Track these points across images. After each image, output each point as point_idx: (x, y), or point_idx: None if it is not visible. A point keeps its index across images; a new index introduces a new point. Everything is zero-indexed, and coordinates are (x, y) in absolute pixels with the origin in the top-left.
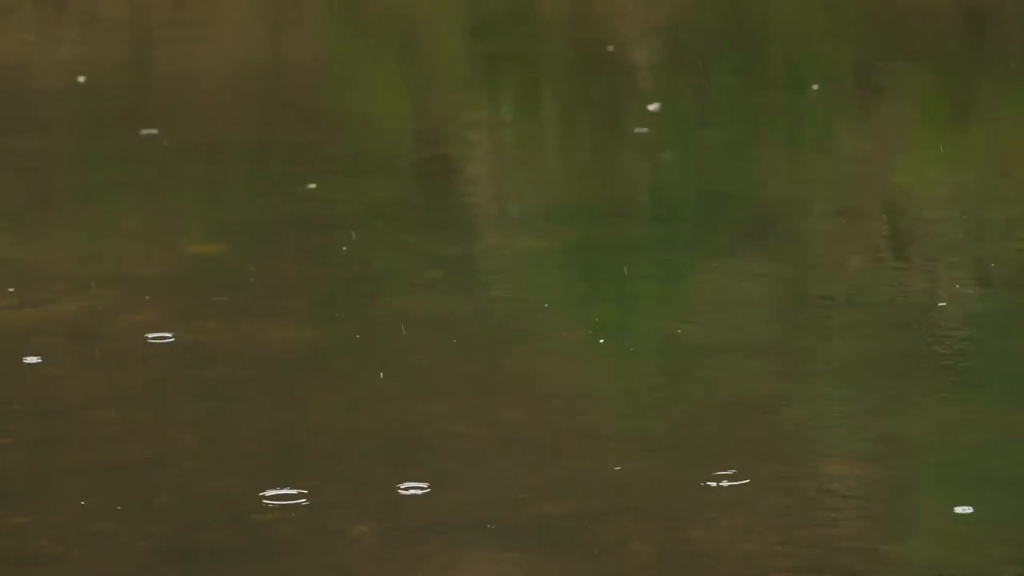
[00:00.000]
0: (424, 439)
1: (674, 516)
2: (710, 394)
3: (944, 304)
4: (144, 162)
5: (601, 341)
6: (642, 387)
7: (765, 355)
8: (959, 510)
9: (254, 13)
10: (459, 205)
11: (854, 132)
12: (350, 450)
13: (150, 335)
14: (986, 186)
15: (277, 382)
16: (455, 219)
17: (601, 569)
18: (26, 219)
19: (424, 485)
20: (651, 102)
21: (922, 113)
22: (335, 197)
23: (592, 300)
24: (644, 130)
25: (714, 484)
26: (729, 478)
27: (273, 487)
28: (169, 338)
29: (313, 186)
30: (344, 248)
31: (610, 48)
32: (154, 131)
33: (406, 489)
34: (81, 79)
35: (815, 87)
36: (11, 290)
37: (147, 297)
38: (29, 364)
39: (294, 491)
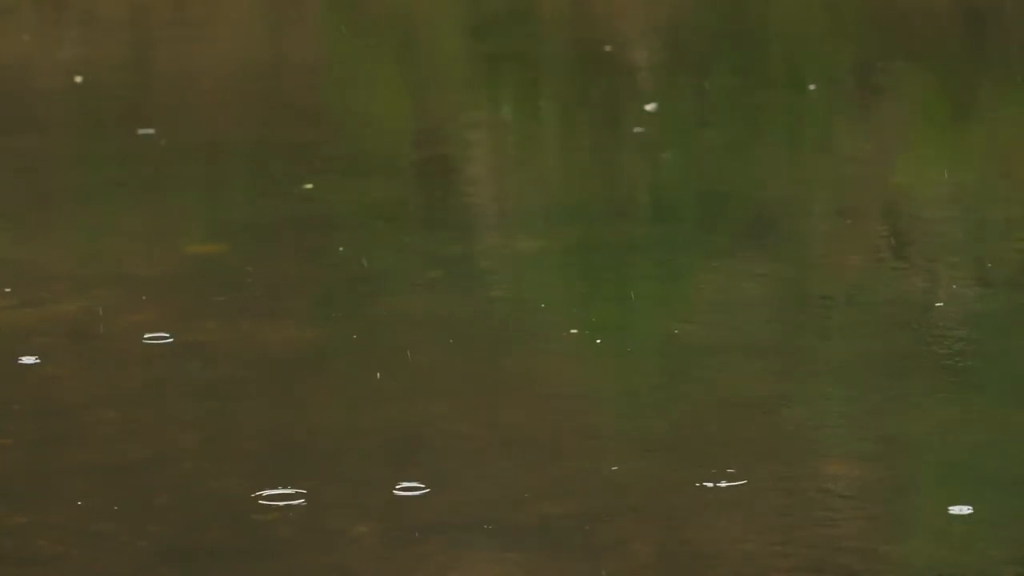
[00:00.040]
0: (424, 439)
1: (674, 516)
2: (710, 394)
3: (944, 304)
4: (143, 162)
5: (601, 341)
6: (642, 387)
7: (765, 355)
8: (959, 510)
9: (254, 13)
10: (459, 205)
11: (854, 132)
12: (350, 450)
13: (150, 335)
14: (986, 186)
15: (277, 382)
16: (455, 219)
17: (601, 569)
18: (26, 219)
19: (424, 485)
20: (649, 102)
21: (922, 113)
22: (335, 197)
23: (592, 300)
24: (641, 130)
25: (714, 484)
26: (729, 478)
27: (273, 487)
28: (169, 338)
29: (310, 186)
30: (341, 248)
31: (608, 48)
32: (151, 131)
33: (406, 489)
34: (78, 79)
35: (812, 87)
36: (7, 290)
37: (147, 297)
38: (29, 364)
39: (294, 491)
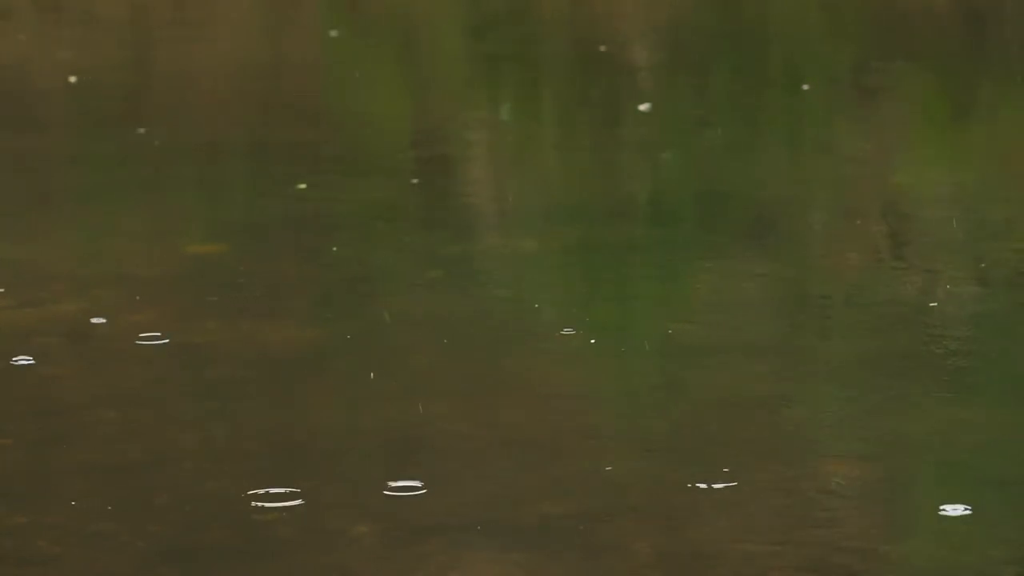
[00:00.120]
0: (424, 439)
1: (674, 516)
2: (710, 394)
3: (943, 304)
4: (143, 162)
5: (601, 341)
6: (642, 387)
7: (765, 355)
8: (959, 510)
9: (253, 13)
10: (459, 205)
11: (854, 132)
12: (350, 450)
13: (149, 335)
14: (986, 186)
15: (277, 382)
16: (455, 219)
17: (601, 569)
18: (25, 219)
19: (424, 485)
20: (644, 102)
21: (922, 113)
22: (335, 197)
23: (591, 300)
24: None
25: (714, 484)
26: (729, 478)
27: (273, 487)
28: (168, 338)
29: (303, 186)
30: (335, 248)
31: (602, 48)
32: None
33: (406, 489)
34: (72, 79)
35: (806, 87)
36: (2, 290)
37: (147, 297)
38: (28, 364)
39: (294, 491)
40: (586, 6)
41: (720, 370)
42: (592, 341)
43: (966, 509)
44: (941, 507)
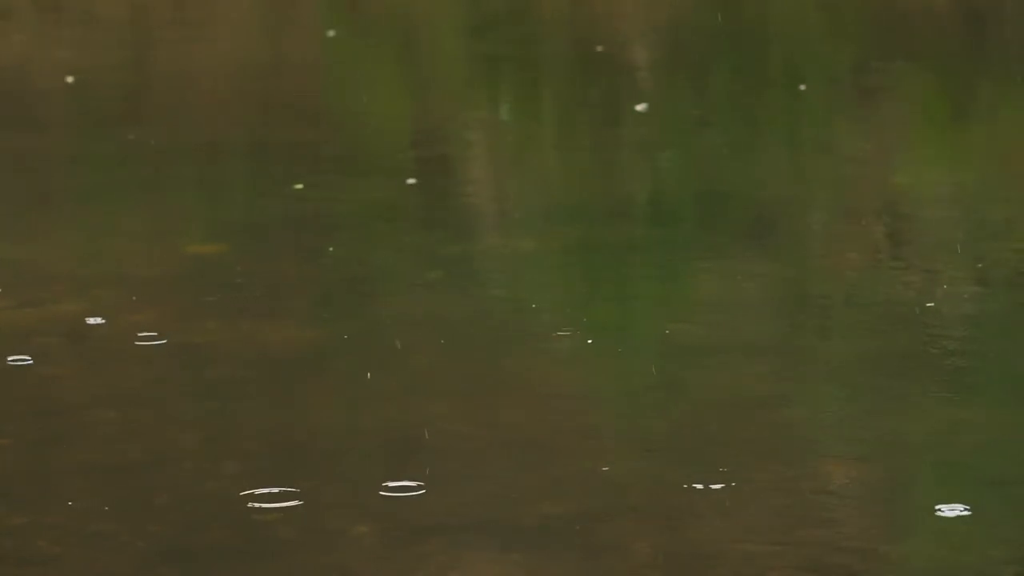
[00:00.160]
0: (424, 439)
1: (674, 516)
2: (709, 394)
3: (943, 304)
4: (142, 162)
5: (600, 341)
6: (641, 387)
7: (765, 355)
8: (958, 510)
9: (253, 13)
10: (459, 205)
11: (854, 132)
12: (349, 450)
13: (149, 335)
14: (986, 186)
15: (277, 382)
16: (455, 219)
17: (601, 569)
18: (25, 219)
19: (424, 485)
20: (643, 102)
21: (922, 113)
22: (335, 197)
23: (591, 300)
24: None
25: (714, 484)
26: (728, 478)
27: (273, 487)
28: (168, 338)
29: (300, 186)
30: (331, 248)
31: (599, 48)
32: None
33: (406, 489)
34: (70, 79)
35: (802, 87)
36: (1, 290)
37: (146, 297)
38: (28, 364)
39: (294, 491)
40: (586, 6)
41: (720, 370)
42: (590, 341)
43: (965, 509)
44: (941, 507)
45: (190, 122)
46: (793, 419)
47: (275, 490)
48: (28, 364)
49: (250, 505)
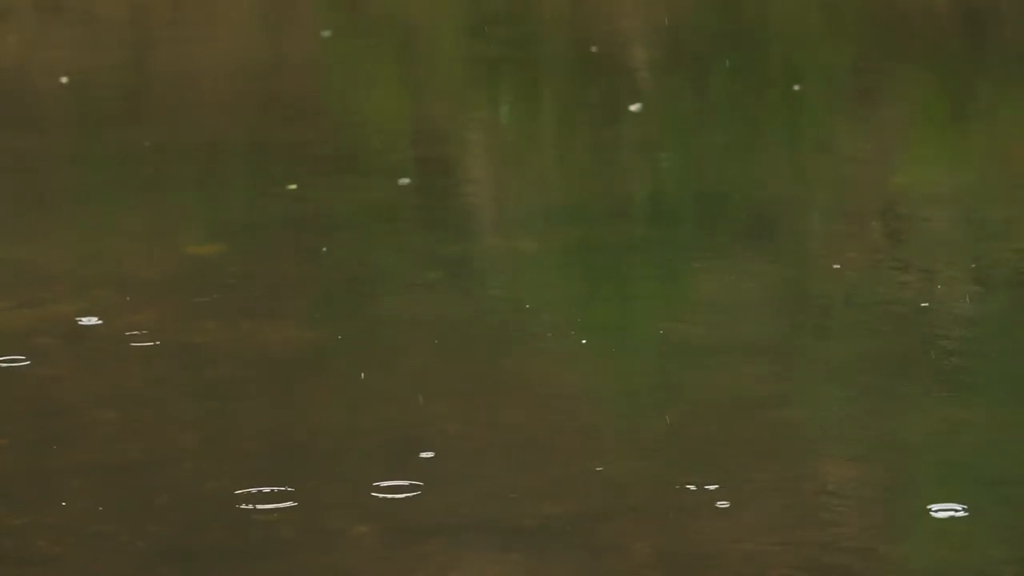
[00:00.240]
0: (424, 439)
1: (674, 516)
2: (709, 394)
3: (943, 304)
4: (142, 162)
5: (600, 341)
6: (641, 387)
7: (765, 355)
8: (958, 510)
9: (253, 13)
10: (459, 205)
11: (854, 132)
12: (350, 450)
13: (149, 335)
14: (986, 186)
15: (277, 382)
16: (455, 219)
17: (601, 569)
18: (25, 219)
19: (424, 485)
20: (641, 102)
21: (922, 113)
22: (335, 197)
23: (591, 300)
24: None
25: (714, 484)
26: (728, 478)
27: (273, 487)
28: (168, 338)
29: (294, 186)
30: (324, 249)
31: (594, 49)
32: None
33: (406, 489)
34: (64, 79)
35: (796, 87)
36: (1, 291)
37: (146, 297)
38: (27, 364)
39: (294, 491)
40: (586, 6)
41: (720, 370)
42: (590, 341)
43: (965, 509)
44: (940, 507)
45: (189, 122)
46: (793, 419)
47: (275, 490)
48: (27, 364)
49: (250, 505)
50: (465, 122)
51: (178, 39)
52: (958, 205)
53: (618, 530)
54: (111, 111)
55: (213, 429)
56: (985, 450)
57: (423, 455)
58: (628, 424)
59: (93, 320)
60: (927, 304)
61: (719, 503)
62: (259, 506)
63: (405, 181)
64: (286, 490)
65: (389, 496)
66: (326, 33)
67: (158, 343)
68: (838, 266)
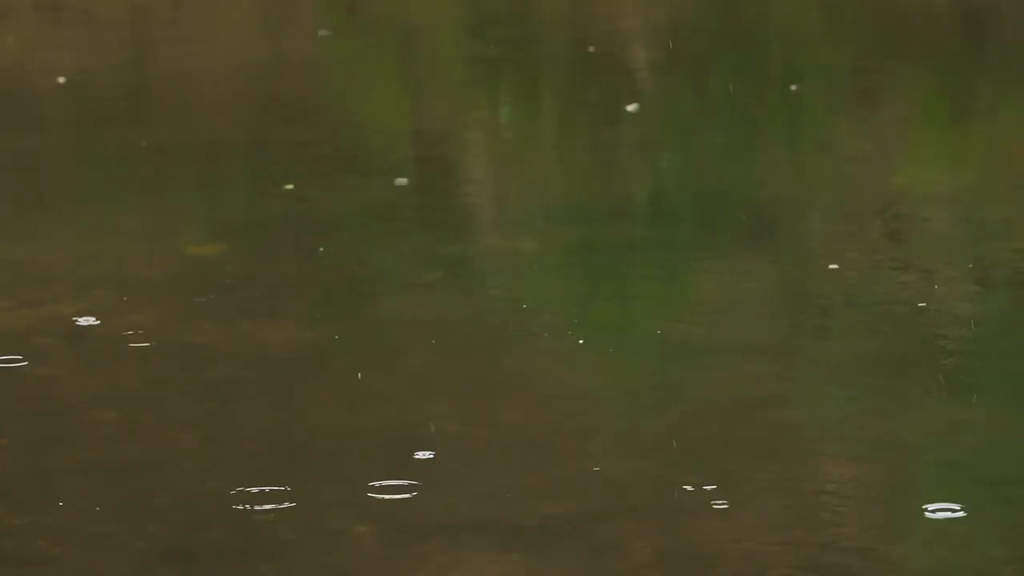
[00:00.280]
0: (424, 439)
1: (674, 516)
2: (709, 394)
3: (943, 304)
4: (142, 162)
5: (600, 341)
6: (641, 387)
7: (765, 355)
8: (958, 510)
9: (252, 13)
10: (459, 205)
11: (854, 132)
12: (350, 450)
13: (149, 335)
14: (986, 186)
15: (277, 382)
16: (455, 219)
17: (601, 569)
18: (25, 219)
19: (424, 485)
20: (641, 102)
21: (922, 113)
22: (334, 197)
23: (591, 300)
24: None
25: (714, 484)
26: (729, 478)
27: (273, 487)
28: (168, 339)
29: (290, 187)
30: (321, 249)
31: (591, 49)
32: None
33: (406, 489)
34: (61, 80)
35: (793, 87)
36: (1, 291)
37: (146, 298)
38: (27, 365)
39: (294, 491)
40: (586, 6)
41: (720, 370)
42: (589, 341)
43: (965, 509)
44: (940, 507)
45: (189, 122)
46: (793, 419)
47: (275, 490)
48: (27, 364)
49: (250, 505)
50: (465, 122)
51: (178, 39)
52: (958, 205)
53: (618, 530)
54: (111, 111)
55: (213, 429)
56: (985, 450)
57: (423, 455)
58: (628, 424)
59: (93, 320)
60: (927, 304)
61: (719, 503)
62: (259, 506)
63: (402, 181)
64: (286, 490)
65: (389, 496)
66: (323, 32)
67: (158, 343)
68: (838, 266)
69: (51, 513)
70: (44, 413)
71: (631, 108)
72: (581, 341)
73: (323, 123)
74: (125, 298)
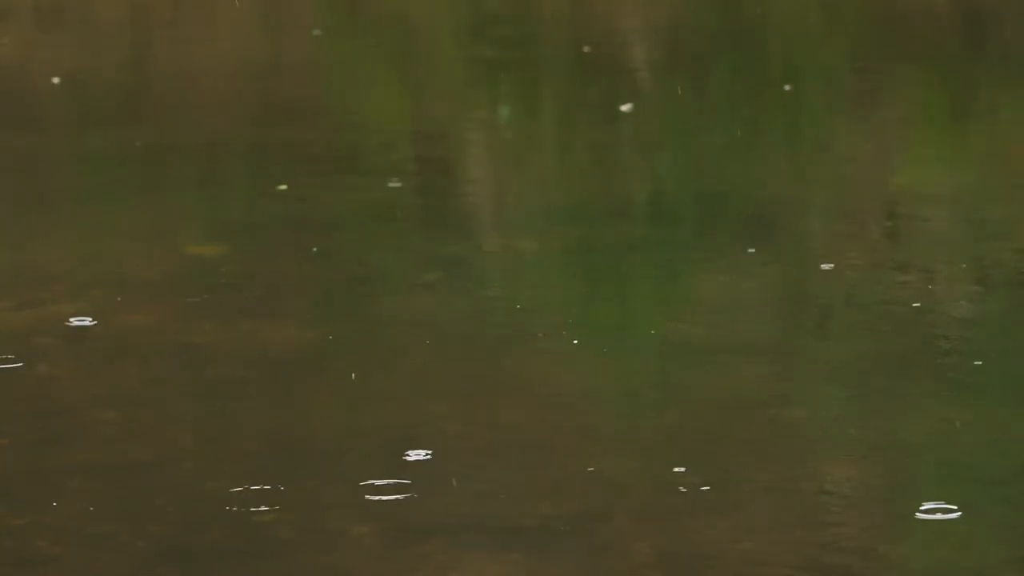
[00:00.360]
0: (423, 439)
1: (674, 516)
2: (709, 394)
3: (943, 304)
4: (142, 162)
5: (600, 341)
6: (641, 387)
7: (764, 355)
8: (958, 510)
9: (252, 14)
10: (459, 205)
11: (853, 132)
12: (350, 450)
13: (149, 336)
14: (986, 186)
15: (277, 382)
16: (455, 219)
17: (601, 569)
18: (24, 220)
19: (424, 485)
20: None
21: (922, 113)
22: (334, 197)
23: (591, 301)
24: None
25: (714, 484)
26: (728, 478)
27: (274, 487)
28: (168, 339)
29: (284, 187)
30: (314, 249)
31: (586, 49)
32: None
33: (406, 489)
34: (55, 80)
35: (787, 87)
36: (0, 291)
37: (146, 298)
38: (27, 365)
39: (294, 491)
40: (586, 6)
41: (719, 370)
42: (588, 341)
43: (965, 509)
44: (940, 507)
45: (189, 122)
46: (793, 419)
47: (275, 490)
48: (27, 365)
49: (250, 505)
50: (465, 122)
51: (177, 39)
52: (958, 205)
53: (618, 530)
54: (111, 111)
55: (213, 429)
56: (985, 450)
57: (423, 455)
58: (628, 424)
59: (93, 320)
60: (927, 304)
61: (719, 503)
62: (259, 506)
63: (411, 181)
64: (286, 490)
65: (388, 496)
66: (316, 32)
67: (158, 343)
68: (838, 266)
69: (51, 513)
70: (44, 413)
71: (625, 108)
72: (581, 341)
73: (323, 123)
74: (125, 298)
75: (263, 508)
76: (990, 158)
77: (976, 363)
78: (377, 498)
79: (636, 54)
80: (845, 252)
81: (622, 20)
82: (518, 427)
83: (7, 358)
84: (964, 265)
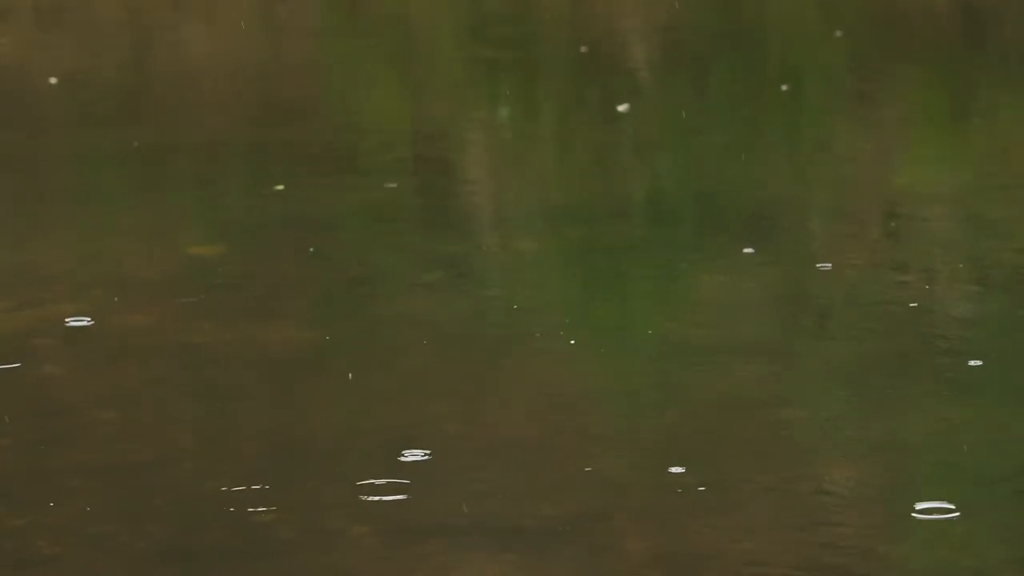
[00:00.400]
0: (423, 439)
1: (674, 516)
2: (709, 394)
3: (942, 304)
4: (141, 162)
5: (600, 341)
6: (641, 388)
7: (764, 355)
8: (957, 510)
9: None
10: (458, 205)
11: (853, 132)
12: (350, 450)
13: (149, 336)
14: (986, 186)
15: (277, 382)
16: (455, 219)
17: (601, 569)
18: (24, 219)
19: (423, 485)
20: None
21: (922, 113)
22: (334, 197)
23: (591, 300)
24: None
25: (713, 484)
26: (728, 478)
27: (273, 487)
28: (168, 339)
29: (280, 187)
30: (311, 249)
31: (583, 49)
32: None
33: (405, 489)
34: (53, 80)
35: (784, 87)
36: (0, 291)
37: (146, 298)
38: (27, 365)
39: (294, 491)
40: (586, 6)
41: (719, 370)
42: (588, 341)
43: (965, 509)
44: (940, 507)
45: (188, 122)
46: (792, 419)
47: (275, 490)
48: (27, 365)
49: (250, 505)
50: (464, 122)
51: (177, 39)
52: (958, 205)
53: (617, 530)
54: (110, 111)
55: (213, 429)
56: (984, 450)
57: (422, 455)
58: (627, 424)
59: (92, 320)
60: (926, 304)
61: (719, 503)
62: (259, 506)
63: (411, 181)
64: (286, 490)
65: (388, 496)
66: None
67: (157, 343)
68: (837, 266)
69: (51, 513)
70: (44, 413)
71: (622, 108)
72: (581, 341)
73: (322, 123)
74: (124, 298)
75: (262, 508)
76: (990, 158)
77: (976, 363)
78: (376, 498)
79: (636, 54)
80: (844, 252)
81: (622, 20)
82: (517, 427)
83: (7, 358)
84: (963, 265)
